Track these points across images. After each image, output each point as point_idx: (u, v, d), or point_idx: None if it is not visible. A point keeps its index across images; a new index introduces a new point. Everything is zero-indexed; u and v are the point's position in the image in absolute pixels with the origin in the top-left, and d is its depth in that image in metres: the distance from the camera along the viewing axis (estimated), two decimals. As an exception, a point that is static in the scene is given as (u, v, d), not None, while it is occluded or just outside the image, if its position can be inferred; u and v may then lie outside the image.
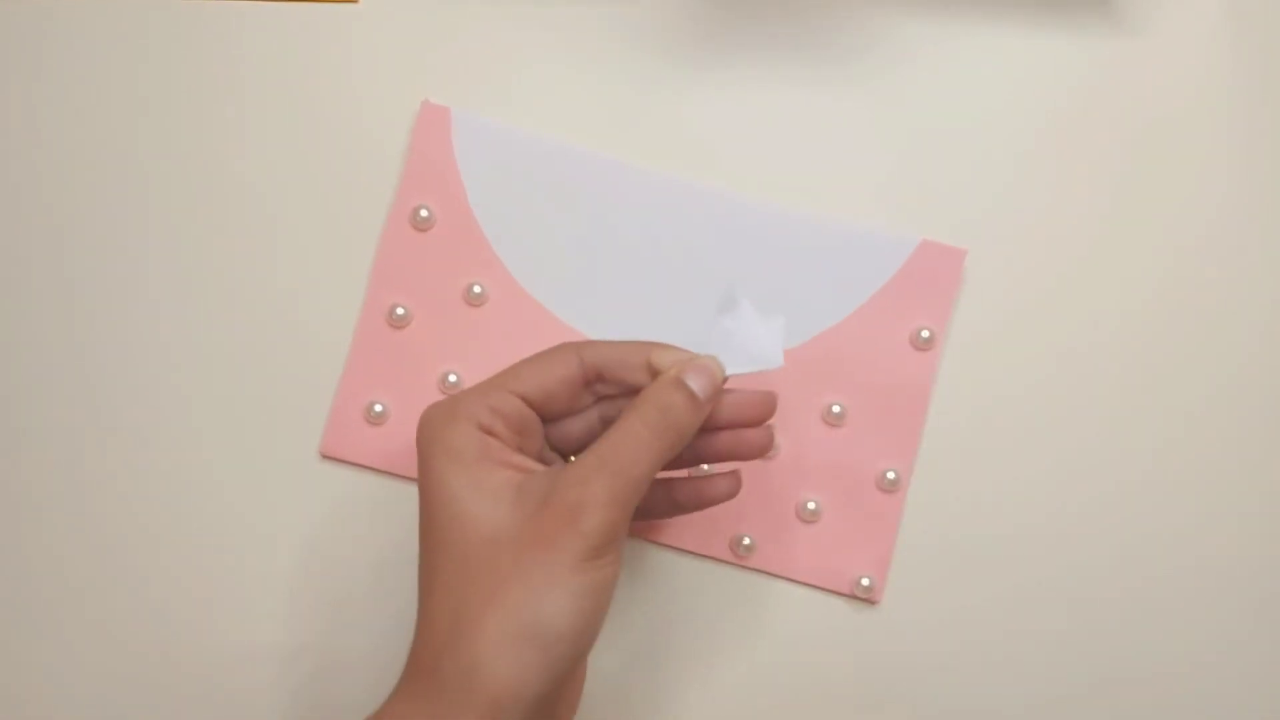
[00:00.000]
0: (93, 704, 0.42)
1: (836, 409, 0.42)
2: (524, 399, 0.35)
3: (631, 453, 0.33)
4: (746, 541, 0.42)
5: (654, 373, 0.35)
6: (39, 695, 0.42)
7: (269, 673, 0.42)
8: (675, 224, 0.43)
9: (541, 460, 0.36)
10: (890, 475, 0.42)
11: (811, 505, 0.42)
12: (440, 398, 0.42)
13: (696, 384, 0.34)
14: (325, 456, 0.42)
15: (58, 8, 0.44)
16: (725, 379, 0.35)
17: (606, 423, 0.37)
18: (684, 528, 0.42)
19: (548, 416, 0.36)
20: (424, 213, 0.42)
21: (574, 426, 0.37)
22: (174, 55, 0.43)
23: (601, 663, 0.42)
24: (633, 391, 0.35)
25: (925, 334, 0.42)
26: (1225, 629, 0.42)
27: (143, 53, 0.43)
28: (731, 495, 0.38)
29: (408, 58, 0.43)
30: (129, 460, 0.42)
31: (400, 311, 0.42)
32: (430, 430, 0.34)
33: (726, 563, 0.42)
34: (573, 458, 0.37)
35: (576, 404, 0.36)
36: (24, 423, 0.43)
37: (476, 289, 0.42)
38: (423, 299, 0.42)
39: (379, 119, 0.43)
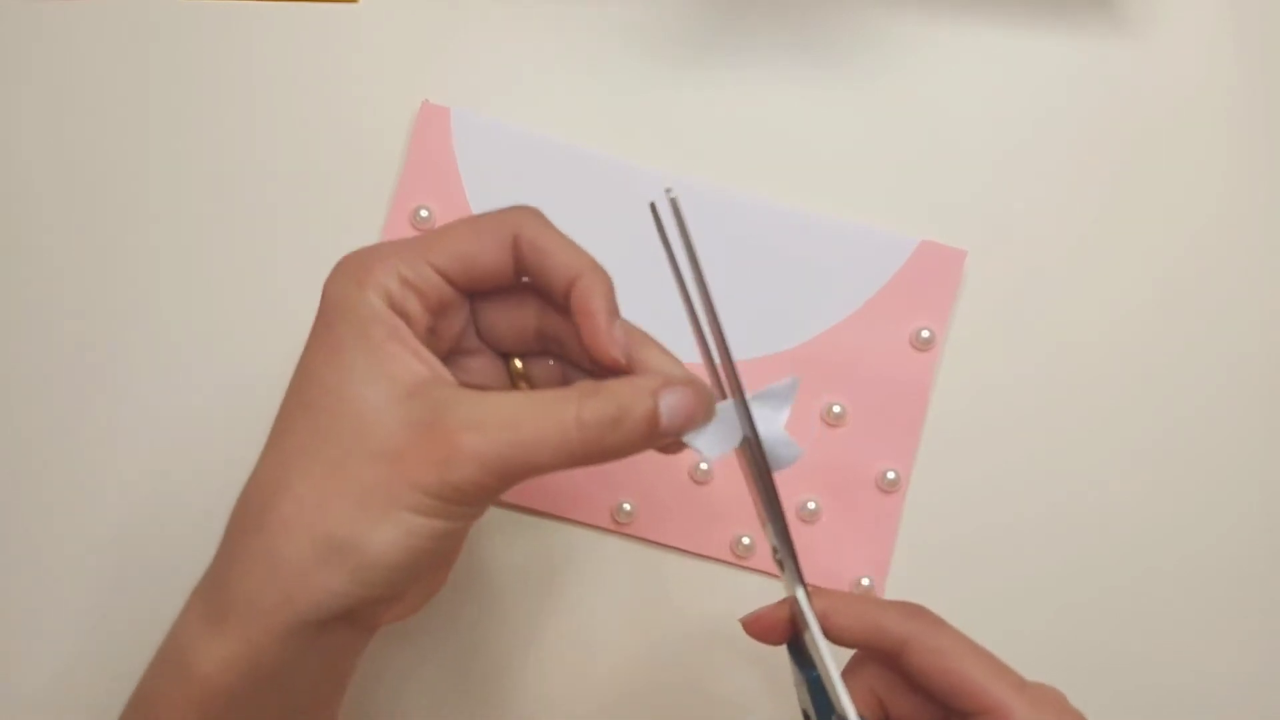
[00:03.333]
0: (93, 704, 0.42)
1: (836, 409, 0.42)
2: (443, 274, 0.30)
3: (546, 438, 0.28)
4: (746, 541, 0.42)
5: (566, 299, 0.30)
6: (39, 695, 0.42)
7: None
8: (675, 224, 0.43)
9: (462, 348, 0.33)
10: (890, 475, 0.42)
11: (811, 505, 0.42)
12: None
13: (668, 409, 0.29)
14: (325, 456, 0.42)
15: (58, 8, 0.44)
16: (709, 417, 0.30)
17: (546, 344, 0.33)
18: (683, 527, 0.42)
19: (472, 293, 0.32)
20: (424, 212, 0.42)
21: (508, 318, 0.33)
22: (174, 55, 0.43)
23: (601, 662, 0.42)
24: (553, 294, 0.31)
25: (925, 334, 0.42)
26: (1225, 627, 0.42)
27: (143, 53, 0.43)
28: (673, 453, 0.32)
29: (408, 58, 0.43)
30: (129, 460, 0.42)
31: (400, 311, 0.42)
32: (339, 286, 0.30)
33: (726, 563, 0.42)
34: (516, 363, 0.34)
35: (507, 286, 0.32)
36: (25, 422, 0.43)
37: (476, 289, 0.42)
38: (422, 299, 0.42)
39: (379, 119, 0.43)
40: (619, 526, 0.42)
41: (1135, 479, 0.43)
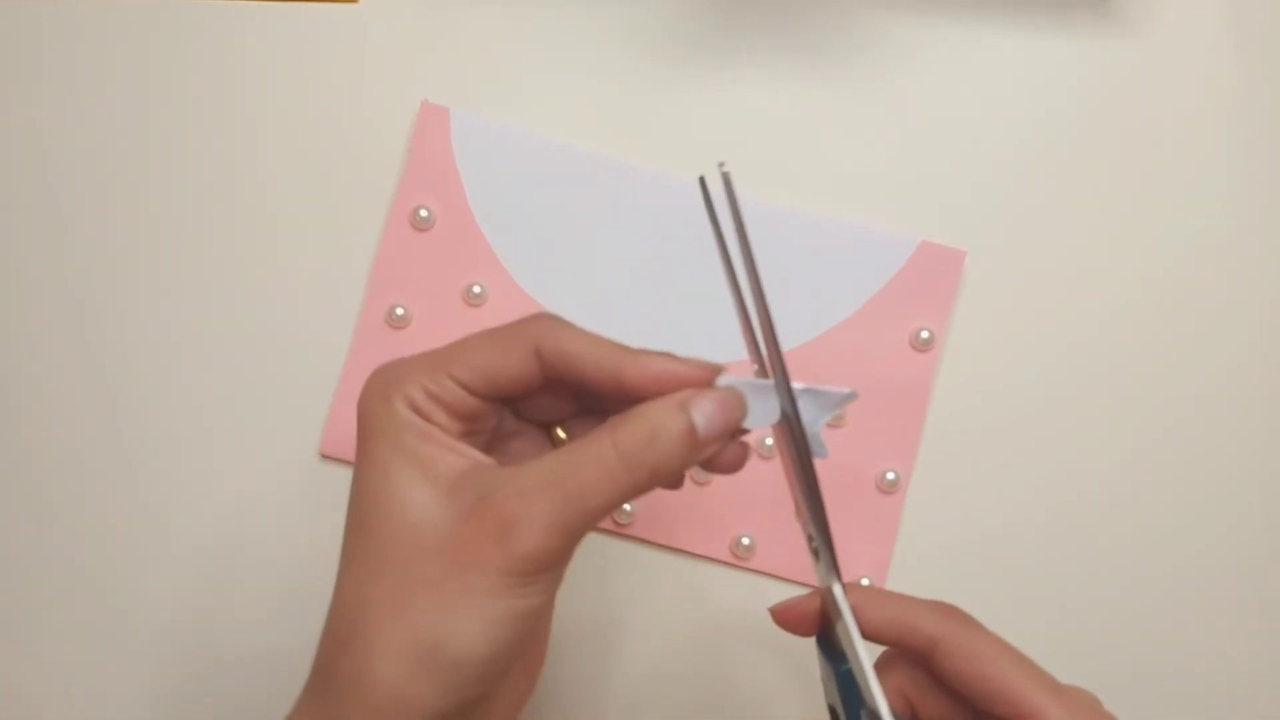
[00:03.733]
0: (92, 703, 0.42)
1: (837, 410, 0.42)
2: (464, 386, 0.30)
3: (592, 480, 0.28)
4: (746, 542, 0.42)
5: (622, 389, 0.30)
6: (39, 694, 0.42)
7: (268, 673, 0.42)
8: (675, 225, 0.43)
9: (502, 433, 0.32)
10: (890, 476, 0.42)
11: (811, 506, 0.42)
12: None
13: (703, 418, 0.29)
14: (325, 456, 0.42)
15: (59, 8, 0.44)
16: (744, 417, 0.30)
17: (583, 405, 0.32)
18: (683, 528, 0.42)
19: (502, 400, 0.31)
20: (423, 213, 0.42)
21: (543, 401, 0.32)
22: (174, 55, 0.43)
23: (600, 662, 0.42)
24: (591, 388, 0.30)
25: (925, 335, 0.42)
26: (1226, 629, 0.42)
27: (143, 53, 0.43)
28: (737, 467, 0.31)
29: (407, 58, 0.43)
30: (129, 460, 0.42)
31: (400, 311, 0.42)
32: (368, 403, 0.30)
33: (726, 563, 0.42)
34: (559, 432, 0.33)
35: (533, 391, 0.31)
36: (25, 422, 0.43)
37: (476, 289, 0.42)
38: (422, 299, 0.42)
39: (378, 119, 0.43)
40: (619, 528, 0.42)
41: (1136, 479, 0.43)
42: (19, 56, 0.43)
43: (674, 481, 0.31)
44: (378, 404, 0.30)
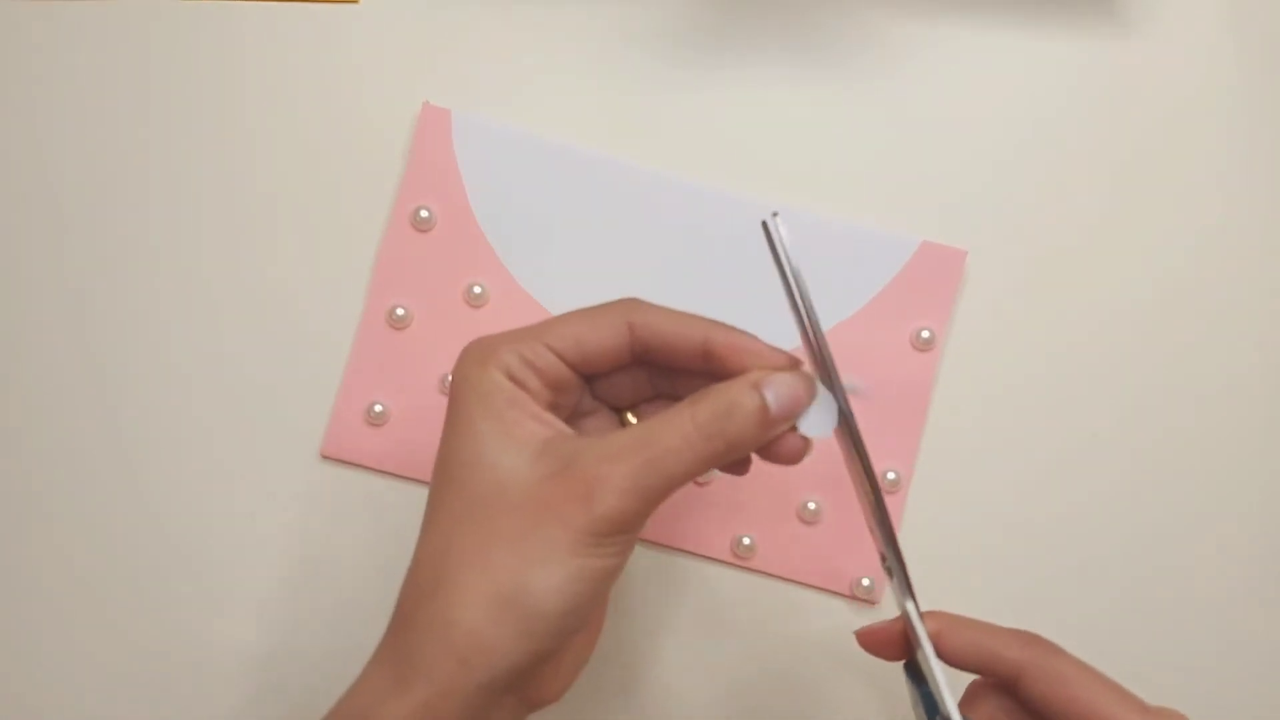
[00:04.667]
0: (92, 702, 0.42)
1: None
2: (560, 356, 0.32)
3: (672, 447, 0.30)
4: (746, 542, 0.42)
5: (708, 356, 0.32)
6: (39, 693, 0.42)
7: (268, 672, 0.42)
8: (676, 225, 0.43)
9: (579, 411, 0.34)
10: (890, 475, 0.42)
11: (811, 505, 0.42)
12: (440, 398, 0.42)
13: (774, 397, 0.31)
14: (325, 457, 0.42)
15: (58, 8, 0.44)
16: (812, 400, 0.31)
17: (658, 389, 0.35)
18: (684, 528, 0.42)
19: (588, 375, 0.34)
20: (424, 213, 0.42)
21: (621, 382, 0.34)
22: (174, 56, 0.43)
23: (599, 662, 0.42)
24: (682, 372, 0.33)
25: (926, 335, 0.42)
26: (1229, 628, 0.42)
27: (143, 53, 0.43)
28: (797, 458, 0.33)
29: (408, 59, 0.43)
30: (129, 460, 0.42)
31: (401, 312, 0.42)
32: (464, 368, 0.32)
33: (726, 563, 0.42)
34: (629, 416, 0.35)
35: (620, 366, 0.34)
36: (26, 422, 0.43)
37: (477, 289, 0.42)
38: (423, 300, 0.42)
39: (380, 120, 0.43)
40: (620, 527, 0.42)
41: (1136, 478, 0.43)
42: (19, 56, 0.43)
43: (743, 459, 0.33)
44: (473, 369, 0.32)
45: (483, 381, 0.31)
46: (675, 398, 0.34)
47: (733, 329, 0.32)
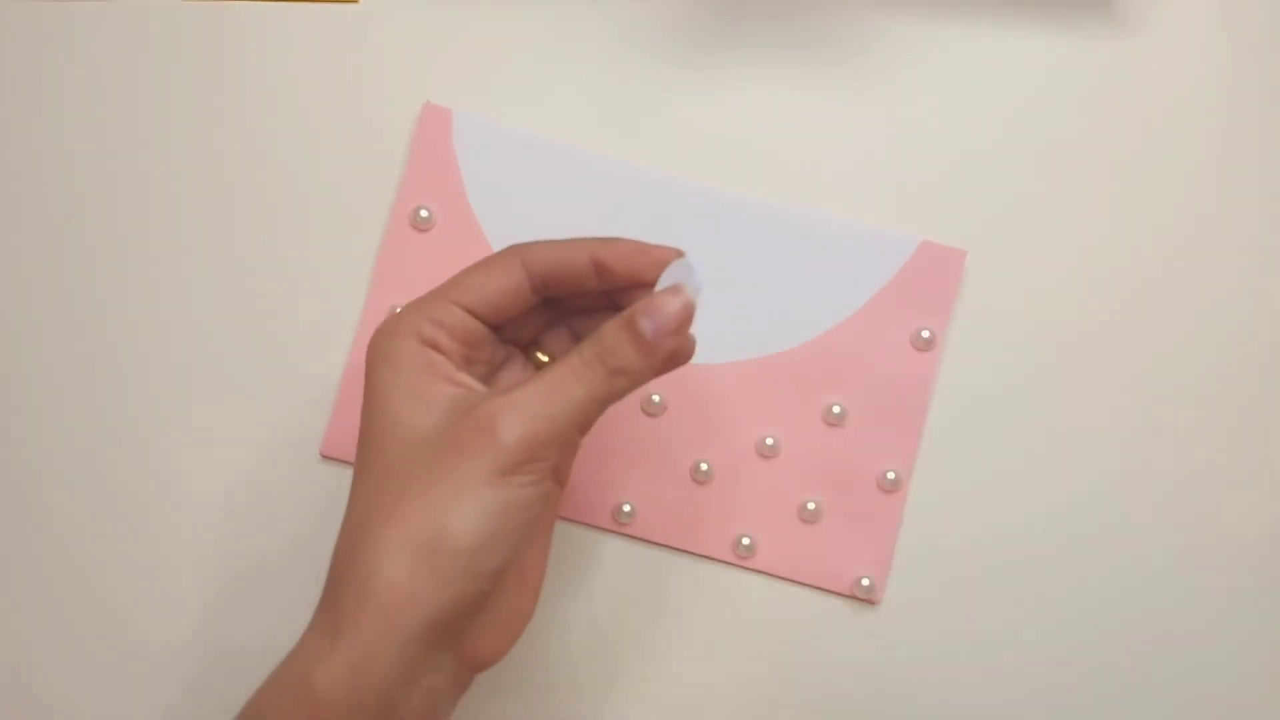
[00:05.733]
0: (92, 702, 0.42)
1: (837, 409, 0.42)
2: (468, 310, 0.34)
3: (570, 384, 0.32)
4: (746, 541, 0.42)
5: (602, 271, 0.33)
6: (39, 691, 0.42)
7: (268, 671, 0.42)
8: (675, 225, 0.43)
9: (494, 362, 0.35)
10: (890, 475, 0.42)
11: (811, 505, 0.42)
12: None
13: (650, 325, 0.32)
14: (325, 457, 0.42)
15: (58, 8, 0.44)
16: (692, 312, 0.33)
17: (558, 320, 0.36)
18: (684, 528, 0.42)
19: (497, 324, 0.35)
20: (425, 213, 0.42)
21: (527, 322, 0.36)
22: (174, 56, 0.43)
23: (600, 662, 0.42)
24: (586, 296, 0.34)
25: (925, 334, 0.42)
26: (1228, 629, 0.42)
27: (143, 53, 0.43)
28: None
29: (408, 58, 0.43)
30: (129, 460, 0.42)
31: (401, 312, 0.42)
32: (375, 341, 0.33)
33: (726, 563, 0.42)
34: (539, 355, 0.37)
35: (527, 309, 0.35)
36: (26, 422, 0.43)
37: (477, 289, 0.42)
38: (423, 299, 0.42)
39: (380, 120, 0.43)
40: (619, 527, 0.42)
41: (1136, 478, 0.43)
42: (19, 56, 0.43)
43: (644, 382, 0.33)
44: (383, 340, 0.33)
45: (393, 350, 0.33)
46: (576, 327, 0.37)
47: (615, 239, 0.34)
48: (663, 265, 0.33)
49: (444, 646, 0.31)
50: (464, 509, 0.30)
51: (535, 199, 0.43)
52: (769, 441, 0.42)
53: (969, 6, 0.44)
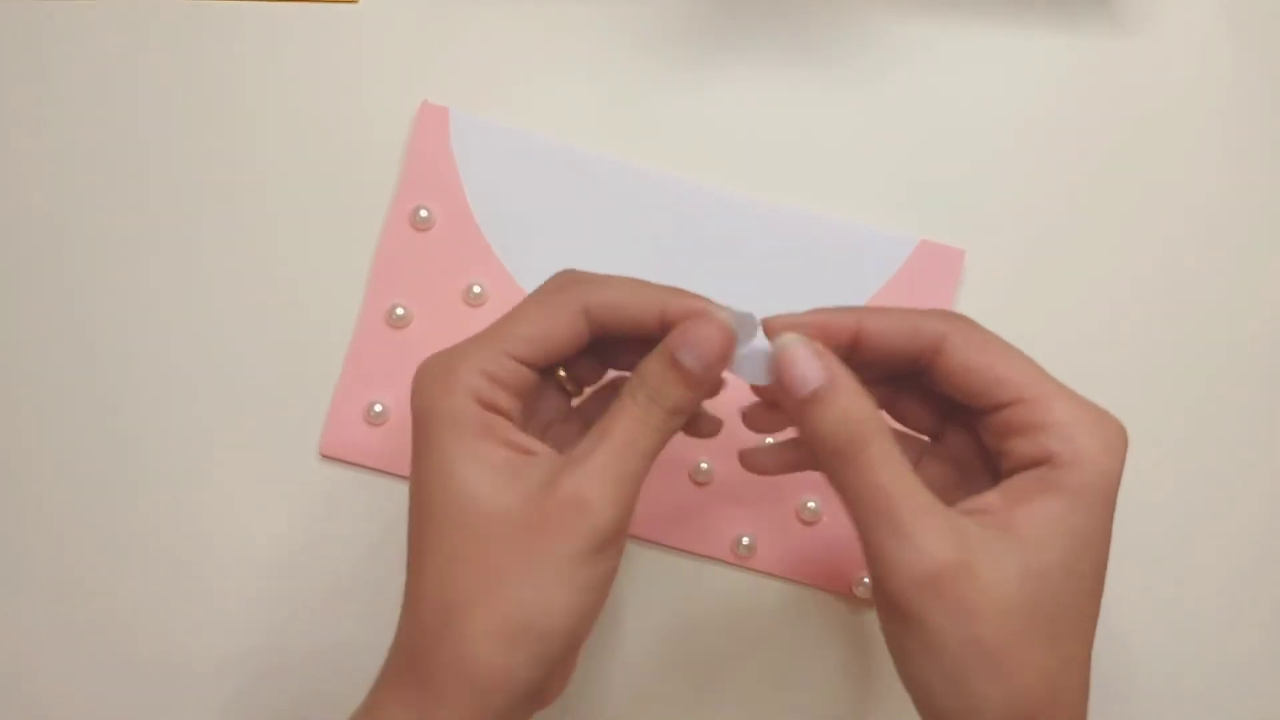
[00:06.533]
0: (92, 701, 0.42)
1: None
2: (523, 361, 0.32)
3: (639, 438, 0.31)
4: (746, 541, 0.42)
5: (666, 326, 0.32)
6: (38, 691, 0.42)
7: (268, 672, 0.42)
8: (675, 224, 0.43)
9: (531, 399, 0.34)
10: (890, 475, 0.42)
11: (811, 505, 0.42)
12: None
13: (690, 357, 0.31)
14: (325, 456, 0.42)
15: (58, 8, 0.44)
16: (732, 337, 0.31)
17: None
18: (684, 528, 0.42)
19: (550, 367, 0.34)
20: (423, 213, 0.42)
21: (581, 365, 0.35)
22: (173, 55, 0.43)
23: (600, 663, 0.42)
24: (649, 341, 0.32)
25: (925, 334, 0.42)
26: (1229, 627, 0.42)
27: (142, 53, 0.43)
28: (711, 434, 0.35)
29: (407, 58, 0.43)
30: (129, 460, 0.42)
31: (400, 311, 0.42)
32: (428, 399, 0.31)
33: (726, 563, 0.42)
34: (560, 371, 0.35)
35: (583, 350, 0.34)
36: (24, 423, 0.43)
37: (476, 289, 0.42)
38: (422, 299, 0.42)
39: (378, 119, 0.43)
40: (619, 527, 0.42)
41: (1136, 478, 0.43)
42: (19, 56, 0.43)
43: (709, 420, 0.34)
44: (437, 398, 0.31)
45: (451, 410, 0.31)
46: (606, 354, 0.35)
47: (684, 294, 0.33)
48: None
49: (531, 708, 0.32)
50: (561, 593, 0.29)
51: (533, 198, 0.43)
52: (769, 442, 0.42)
53: (969, 7, 0.44)
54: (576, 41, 0.43)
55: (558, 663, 0.31)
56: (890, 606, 0.30)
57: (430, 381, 0.32)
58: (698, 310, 0.32)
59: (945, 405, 0.34)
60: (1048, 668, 0.29)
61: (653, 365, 0.31)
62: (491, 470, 0.30)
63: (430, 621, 0.30)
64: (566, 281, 0.33)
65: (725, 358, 0.31)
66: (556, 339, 0.32)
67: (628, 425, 0.31)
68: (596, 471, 0.30)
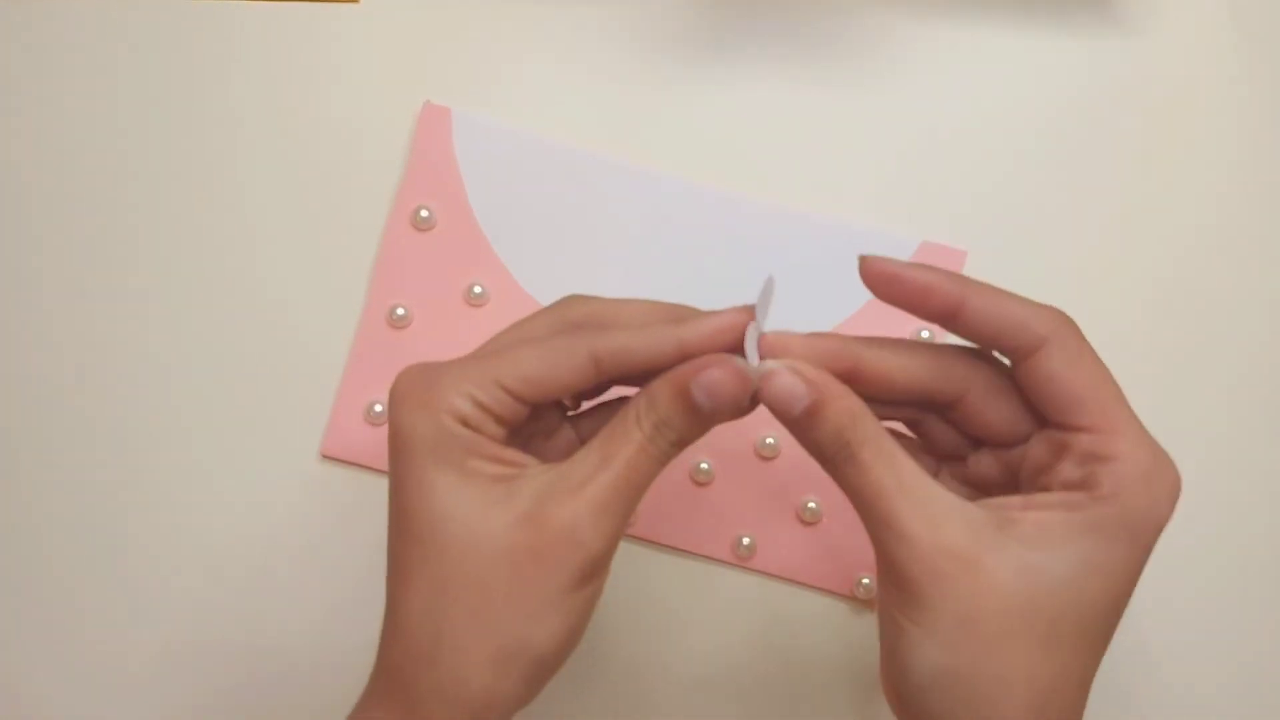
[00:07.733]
0: (92, 702, 0.42)
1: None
2: (515, 396, 0.30)
3: (639, 466, 0.30)
4: (746, 542, 0.42)
5: (686, 356, 0.31)
6: (38, 692, 0.42)
7: (267, 672, 0.42)
8: (676, 225, 0.43)
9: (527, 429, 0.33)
10: (890, 476, 0.42)
11: (812, 505, 0.42)
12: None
13: (707, 400, 0.29)
14: (325, 456, 0.42)
15: (58, 8, 0.44)
16: (747, 385, 0.30)
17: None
18: (684, 528, 0.42)
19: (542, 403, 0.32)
20: (424, 213, 0.42)
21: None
22: (173, 55, 0.43)
23: (601, 664, 0.42)
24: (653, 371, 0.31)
25: (926, 335, 0.42)
26: (1229, 627, 0.42)
27: (142, 53, 0.43)
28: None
29: (408, 58, 0.43)
30: (129, 460, 0.42)
31: (401, 312, 0.42)
32: (408, 415, 0.30)
33: (727, 563, 0.42)
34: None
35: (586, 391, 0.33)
36: (24, 423, 0.43)
37: (477, 289, 0.42)
38: (423, 299, 0.42)
39: (380, 119, 0.43)
40: (620, 527, 0.42)
41: (1135, 479, 0.43)
42: (18, 56, 0.43)
43: (694, 440, 0.31)
44: (418, 417, 0.30)
45: (432, 430, 0.30)
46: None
47: (694, 319, 0.31)
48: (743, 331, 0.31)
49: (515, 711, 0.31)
50: (551, 619, 0.30)
51: (535, 198, 0.43)
52: (769, 441, 0.42)
53: (970, 7, 0.44)
54: (578, 42, 0.43)
55: (547, 679, 0.31)
56: (890, 584, 0.30)
57: (411, 399, 0.30)
58: (715, 330, 0.31)
59: (975, 430, 0.33)
60: (1039, 676, 0.29)
61: (664, 392, 0.30)
62: (479, 492, 0.30)
63: (418, 647, 0.30)
64: (576, 320, 0.32)
65: (738, 404, 0.30)
66: (559, 383, 0.31)
67: (631, 456, 0.30)
68: (595, 505, 0.29)
